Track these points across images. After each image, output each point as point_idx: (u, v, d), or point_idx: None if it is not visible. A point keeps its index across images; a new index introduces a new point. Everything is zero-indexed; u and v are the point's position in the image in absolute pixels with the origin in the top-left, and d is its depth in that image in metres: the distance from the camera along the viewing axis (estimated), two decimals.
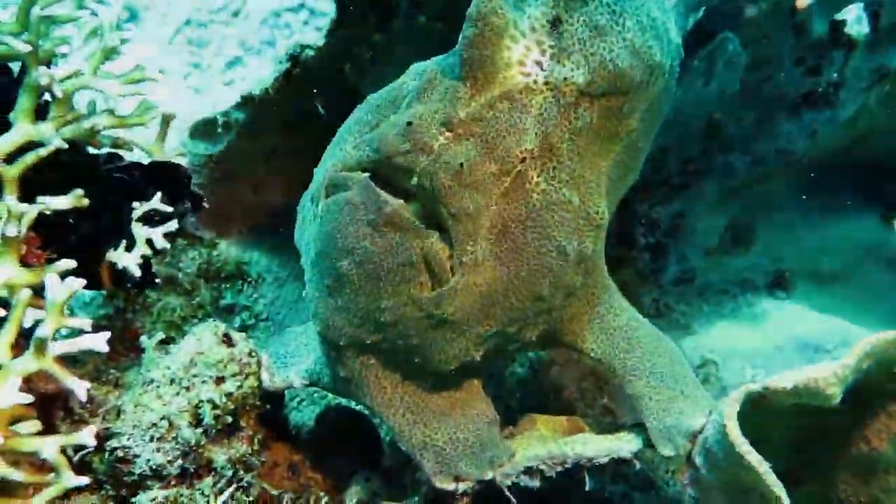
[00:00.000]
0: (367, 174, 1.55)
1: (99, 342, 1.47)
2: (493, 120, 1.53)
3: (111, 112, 1.79)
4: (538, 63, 1.57)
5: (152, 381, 1.78)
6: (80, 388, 1.46)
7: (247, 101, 2.23)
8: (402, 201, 1.54)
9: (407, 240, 1.50)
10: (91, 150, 1.83)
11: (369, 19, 2.14)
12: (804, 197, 3.25)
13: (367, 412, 2.12)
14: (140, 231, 1.81)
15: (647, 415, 1.71)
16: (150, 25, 4.45)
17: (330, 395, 2.42)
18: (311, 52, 2.09)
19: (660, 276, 3.09)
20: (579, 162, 1.62)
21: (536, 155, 1.56)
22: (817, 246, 3.36)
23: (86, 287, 1.79)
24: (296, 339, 1.99)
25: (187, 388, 1.78)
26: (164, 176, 1.88)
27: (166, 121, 1.91)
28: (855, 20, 2.84)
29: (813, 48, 2.81)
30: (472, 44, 1.51)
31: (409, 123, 1.52)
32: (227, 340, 1.88)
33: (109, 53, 1.73)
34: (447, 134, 1.52)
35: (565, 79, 1.58)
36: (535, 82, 1.57)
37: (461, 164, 1.49)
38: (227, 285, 2.65)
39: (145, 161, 1.90)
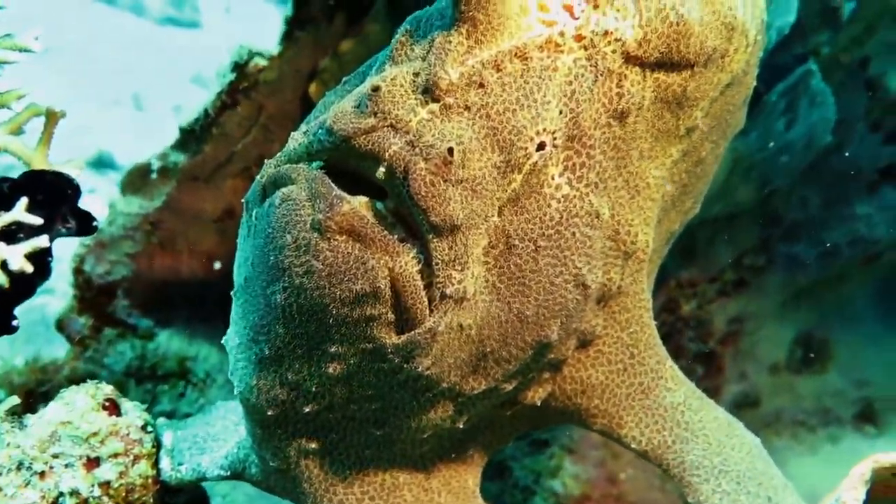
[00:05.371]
0: (318, 164, 1.17)
1: None
2: (498, 86, 1.13)
3: None
4: (567, 8, 1.16)
5: None
6: None
7: (187, 137, 1.79)
8: (364, 198, 1.13)
9: (369, 255, 1.08)
10: None
11: (335, 21, 1.72)
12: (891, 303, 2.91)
13: None
14: None
15: None
16: None
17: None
18: (261, 61, 1.66)
19: (715, 396, 2.55)
20: (616, 160, 1.24)
21: (559, 143, 1.16)
22: None
23: None
24: (225, 416, 1.60)
25: (41, 475, 1.40)
26: (43, 188, 1.42)
27: (51, 119, 1.47)
28: None
29: (891, 109, 2.42)
30: None
31: (376, 89, 1.12)
32: (111, 407, 1.46)
33: None
34: (431, 105, 1.12)
35: (606, 32, 1.18)
36: (563, 35, 1.16)
37: (450, 150, 1.08)
38: (165, 387, 2.27)
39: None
